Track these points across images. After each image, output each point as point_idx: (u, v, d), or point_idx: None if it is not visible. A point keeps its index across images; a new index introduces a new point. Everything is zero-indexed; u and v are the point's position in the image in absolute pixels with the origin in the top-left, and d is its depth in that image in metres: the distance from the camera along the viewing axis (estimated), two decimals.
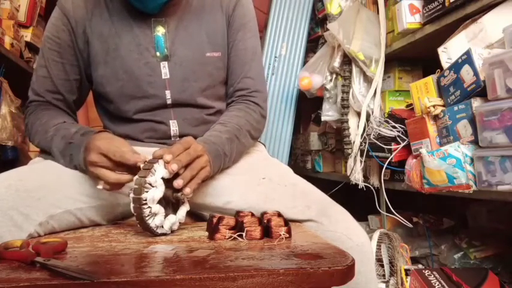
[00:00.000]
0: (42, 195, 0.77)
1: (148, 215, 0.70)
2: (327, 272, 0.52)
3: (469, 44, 1.17)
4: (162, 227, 0.72)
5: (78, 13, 0.96)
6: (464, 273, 1.27)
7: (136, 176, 0.71)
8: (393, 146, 1.46)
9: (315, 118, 2.41)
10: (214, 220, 0.73)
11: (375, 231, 1.54)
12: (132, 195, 0.70)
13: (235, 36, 1.01)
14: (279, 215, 0.75)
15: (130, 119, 0.98)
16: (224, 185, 0.88)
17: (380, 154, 1.52)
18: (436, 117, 1.27)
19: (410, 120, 1.40)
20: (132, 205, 0.70)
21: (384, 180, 1.55)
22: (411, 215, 1.71)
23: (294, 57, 2.38)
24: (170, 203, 0.76)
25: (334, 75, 1.89)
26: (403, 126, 1.45)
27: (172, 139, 0.97)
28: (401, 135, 1.45)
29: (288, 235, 0.69)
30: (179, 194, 0.75)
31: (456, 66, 1.17)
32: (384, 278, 1.45)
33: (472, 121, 1.12)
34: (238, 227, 0.70)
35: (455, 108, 1.18)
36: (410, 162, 1.36)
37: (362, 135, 1.67)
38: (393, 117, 1.52)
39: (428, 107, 1.25)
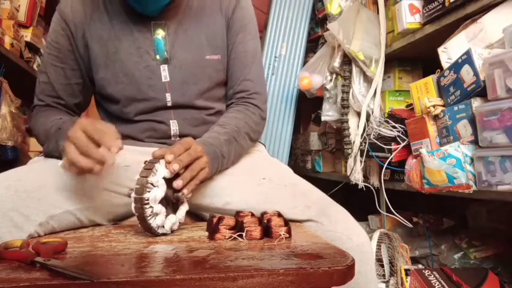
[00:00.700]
0: (42, 196, 0.77)
1: (150, 215, 0.70)
2: (327, 272, 0.52)
3: (469, 44, 1.17)
4: (163, 227, 0.72)
5: (77, 17, 0.96)
6: (464, 273, 1.27)
7: (138, 176, 0.71)
8: (393, 146, 1.46)
9: (315, 118, 2.41)
10: (214, 220, 0.73)
11: (375, 231, 1.54)
12: (133, 195, 0.70)
13: (235, 38, 1.01)
14: (279, 215, 0.75)
15: (131, 120, 0.98)
16: (224, 185, 0.88)
17: (380, 154, 1.52)
18: (436, 117, 1.27)
19: (410, 120, 1.40)
20: (133, 205, 0.70)
21: (384, 180, 1.55)
22: (411, 215, 1.71)
23: (294, 57, 2.38)
24: (170, 203, 0.76)
25: (334, 75, 1.89)
26: (403, 126, 1.45)
27: (172, 139, 0.98)
28: (401, 135, 1.45)
29: (288, 235, 0.69)
30: (180, 194, 0.75)
31: (456, 66, 1.17)
32: (384, 278, 1.45)
33: (472, 121, 1.12)
34: (238, 227, 0.70)
35: (455, 108, 1.18)
36: (410, 162, 1.36)
37: (362, 135, 1.67)
38: (393, 117, 1.52)
39: (428, 107, 1.25)
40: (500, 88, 1.01)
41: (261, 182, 0.89)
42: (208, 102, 1.00)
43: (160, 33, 0.96)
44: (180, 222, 0.78)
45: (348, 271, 0.54)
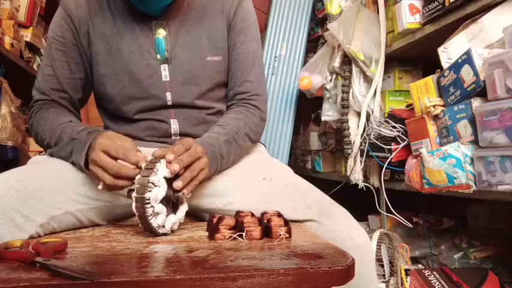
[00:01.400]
0: (43, 197, 0.77)
1: (151, 215, 0.70)
2: (327, 272, 0.52)
3: (469, 44, 1.17)
4: (164, 226, 0.72)
5: (80, 12, 0.96)
6: (464, 273, 1.27)
7: (139, 176, 0.71)
8: (393, 146, 1.46)
9: (315, 118, 2.41)
10: (214, 220, 0.73)
11: (375, 231, 1.54)
12: (134, 194, 0.70)
13: (236, 40, 1.01)
14: (279, 215, 0.75)
15: (131, 119, 0.98)
16: (225, 186, 0.88)
17: (380, 154, 1.52)
18: (436, 117, 1.27)
19: (410, 120, 1.40)
20: (134, 204, 0.70)
21: (384, 180, 1.55)
22: (411, 215, 1.71)
23: (294, 57, 2.38)
24: (170, 203, 0.76)
25: (334, 75, 1.89)
26: (403, 126, 1.45)
27: (173, 137, 0.98)
28: (402, 135, 1.45)
29: (288, 235, 0.69)
30: (180, 194, 0.75)
31: (456, 66, 1.17)
32: (384, 278, 1.45)
33: (472, 121, 1.12)
34: (238, 227, 0.70)
35: (455, 108, 1.18)
36: (410, 162, 1.36)
37: (362, 135, 1.67)
38: (393, 117, 1.52)
39: (428, 107, 1.25)
40: (500, 88, 1.01)
41: (261, 182, 0.89)
42: (209, 102, 1.01)
43: (161, 33, 0.96)
44: (180, 222, 0.78)
45: (348, 271, 0.54)
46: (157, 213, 0.71)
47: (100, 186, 0.77)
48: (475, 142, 1.12)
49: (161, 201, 0.71)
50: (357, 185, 1.73)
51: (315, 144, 2.35)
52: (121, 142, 0.79)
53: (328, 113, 1.93)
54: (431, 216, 1.73)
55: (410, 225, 1.55)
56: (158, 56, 0.96)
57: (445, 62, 1.25)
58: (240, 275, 0.50)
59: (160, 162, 0.73)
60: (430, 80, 1.29)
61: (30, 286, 0.48)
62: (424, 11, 1.38)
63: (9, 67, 1.82)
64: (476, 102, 1.11)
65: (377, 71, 1.65)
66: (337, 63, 1.81)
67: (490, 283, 1.22)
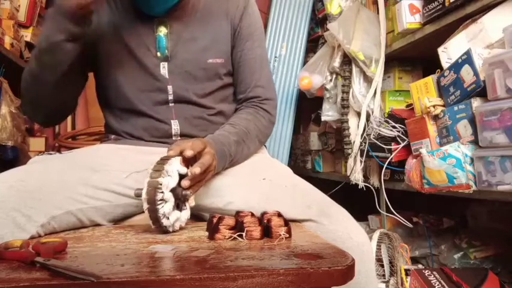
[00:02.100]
0: (43, 196, 0.77)
1: (160, 201, 0.71)
2: (327, 272, 0.52)
3: (469, 44, 1.17)
4: (168, 218, 0.73)
5: None
6: (464, 273, 1.27)
7: (155, 163, 0.73)
8: (393, 146, 1.46)
9: (315, 118, 2.41)
10: (214, 220, 0.73)
11: (375, 231, 1.54)
12: (148, 179, 0.72)
13: (244, 45, 1.02)
14: (279, 215, 0.75)
15: (132, 116, 0.98)
16: (225, 186, 0.88)
17: (380, 154, 1.52)
18: (436, 117, 1.27)
19: (410, 120, 1.40)
20: (146, 189, 0.72)
21: (384, 180, 1.55)
22: (411, 215, 1.71)
23: (294, 57, 2.38)
24: (176, 203, 0.77)
25: (334, 75, 1.89)
26: (403, 126, 1.45)
27: (173, 138, 0.98)
28: (402, 135, 1.45)
29: (288, 235, 0.69)
30: (188, 192, 0.77)
31: (456, 66, 1.17)
32: (384, 278, 1.45)
33: (472, 121, 1.12)
34: (238, 227, 0.70)
35: (455, 108, 1.18)
36: (410, 162, 1.36)
37: (362, 135, 1.67)
38: (393, 117, 1.52)
39: (428, 107, 1.25)
40: (500, 88, 1.01)
41: (261, 182, 0.89)
42: (210, 102, 1.01)
43: (162, 31, 0.96)
44: (181, 225, 0.78)
45: (348, 271, 0.54)
46: (166, 201, 0.72)
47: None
48: (475, 142, 1.12)
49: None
50: (357, 185, 1.73)
51: (315, 144, 2.35)
52: None
53: (328, 113, 1.93)
54: (431, 216, 1.73)
55: (410, 225, 1.56)
56: (158, 54, 0.96)
57: (445, 62, 1.25)
58: (240, 275, 0.50)
59: (176, 158, 0.76)
60: (430, 80, 1.29)
61: (30, 286, 0.48)
62: (424, 11, 1.38)
63: (9, 67, 1.82)
64: (476, 102, 1.11)
65: (377, 71, 1.65)
66: (337, 63, 1.81)
67: (490, 283, 1.22)
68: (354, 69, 1.73)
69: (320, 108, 2.03)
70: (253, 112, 1.01)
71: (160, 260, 0.57)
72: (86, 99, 2.59)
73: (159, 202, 0.71)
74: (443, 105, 1.24)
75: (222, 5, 1.01)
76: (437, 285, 1.23)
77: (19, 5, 2.12)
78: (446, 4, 1.24)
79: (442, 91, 1.26)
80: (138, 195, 0.75)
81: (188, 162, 0.78)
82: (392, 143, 1.47)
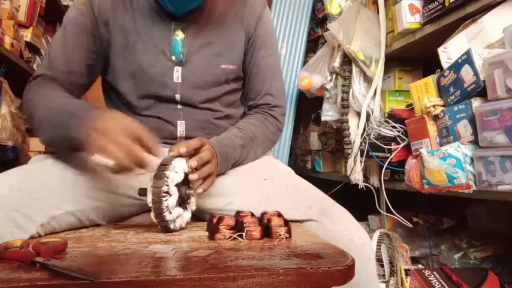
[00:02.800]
0: (44, 196, 0.77)
1: (165, 193, 0.72)
2: (327, 272, 0.52)
3: (469, 44, 1.17)
4: (171, 213, 0.73)
5: (102, 4, 0.95)
6: (464, 273, 1.27)
7: (162, 159, 0.75)
8: (393, 146, 1.46)
9: (315, 118, 2.41)
10: (214, 220, 0.73)
11: (375, 231, 1.54)
12: (155, 172, 0.73)
13: (257, 53, 1.04)
14: (279, 215, 0.75)
15: (139, 115, 0.98)
16: (226, 186, 0.88)
17: (380, 154, 1.52)
18: (436, 117, 1.27)
19: (410, 120, 1.40)
20: (153, 180, 0.73)
21: (384, 180, 1.55)
22: (411, 215, 1.71)
23: (294, 57, 2.38)
24: (179, 202, 0.77)
25: (334, 75, 1.89)
26: (403, 126, 1.45)
27: (178, 140, 0.98)
28: (402, 135, 1.45)
29: (288, 235, 0.69)
30: (192, 191, 0.79)
31: (456, 66, 1.17)
32: (384, 278, 1.45)
33: (472, 121, 1.12)
34: (238, 227, 0.70)
35: (455, 108, 1.18)
36: (410, 162, 1.36)
37: (362, 135, 1.67)
38: (393, 117, 1.52)
39: (428, 107, 1.25)
40: (500, 88, 1.01)
41: (262, 182, 0.89)
42: (218, 106, 1.01)
43: (179, 35, 0.96)
44: (182, 226, 0.78)
45: (348, 271, 0.54)
46: (170, 195, 0.73)
47: (102, 160, 0.71)
48: (475, 142, 1.12)
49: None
50: (357, 185, 1.73)
51: (315, 144, 2.35)
52: (141, 127, 0.73)
53: (328, 113, 1.93)
54: (431, 216, 1.73)
55: (410, 225, 1.55)
56: (173, 58, 0.96)
57: (445, 62, 1.25)
58: (240, 275, 0.50)
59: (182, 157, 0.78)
60: (430, 80, 1.29)
61: (30, 286, 0.48)
62: (424, 11, 1.38)
63: (9, 67, 1.82)
64: (476, 102, 1.11)
65: (377, 71, 1.65)
66: (337, 63, 1.81)
67: (490, 283, 1.22)
68: (354, 69, 1.73)
69: (320, 108, 2.03)
70: (261, 118, 1.02)
71: (160, 260, 0.57)
72: (86, 99, 2.58)
73: (163, 194, 0.72)
74: (443, 105, 1.24)
75: (238, 11, 1.02)
76: (437, 285, 1.23)
77: (19, 5, 2.12)
78: (446, 4, 1.24)
79: (442, 91, 1.26)
80: (141, 195, 0.75)
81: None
82: (392, 143, 1.47)
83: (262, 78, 1.04)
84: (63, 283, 0.48)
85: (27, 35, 2.20)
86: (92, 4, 0.95)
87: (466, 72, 1.12)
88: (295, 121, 2.40)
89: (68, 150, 0.82)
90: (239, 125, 0.98)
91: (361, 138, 1.68)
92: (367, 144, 1.58)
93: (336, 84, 1.88)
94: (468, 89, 1.13)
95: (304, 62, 2.34)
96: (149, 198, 0.73)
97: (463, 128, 1.15)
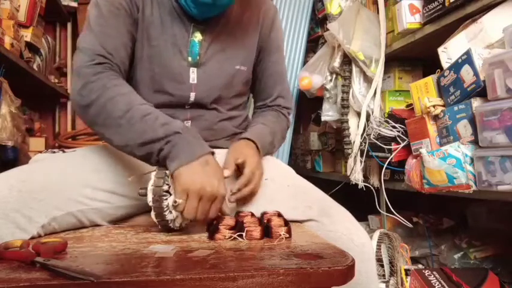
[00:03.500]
0: (44, 197, 0.77)
1: (165, 192, 0.73)
2: (327, 272, 0.52)
3: (469, 44, 1.17)
4: (171, 212, 0.73)
5: None
6: (464, 273, 1.27)
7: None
8: (393, 146, 1.46)
9: (315, 118, 2.41)
10: (214, 220, 0.73)
11: (375, 231, 1.54)
12: (155, 171, 0.76)
13: (270, 57, 1.09)
14: (279, 215, 0.76)
15: None
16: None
17: (380, 154, 1.52)
18: (436, 117, 1.27)
19: (410, 120, 1.39)
20: (154, 180, 0.74)
21: (384, 180, 1.55)
22: (411, 215, 1.71)
23: (294, 57, 2.38)
24: None
25: (334, 75, 1.89)
26: (403, 126, 1.45)
27: None
28: (402, 135, 1.45)
29: (288, 235, 0.69)
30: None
31: (456, 66, 1.17)
32: (384, 278, 1.45)
33: (472, 121, 1.12)
34: (238, 227, 0.70)
35: (455, 108, 1.18)
36: (410, 162, 1.36)
37: (362, 135, 1.67)
38: (393, 117, 1.52)
39: (428, 107, 1.25)
40: (500, 88, 1.01)
41: (264, 182, 0.89)
42: (224, 108, 1.02)
43: (197, 37, 0.97)
44: (182, 226, 0.78)
45: (348, 271, 0.54)
46: (170, 194, 0.74)
47: (177, 204, 0.73)
48: (475, 142, 1.12)
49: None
50: (357, 185, 1.73)
51: (315, 144, 2.35)
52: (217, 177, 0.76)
53: (328, 113, 1.93)
54: (431, 216, 1.73)
55: (410, 225, 1.55)
56: (190, 59, 0.96)
57: (445, 62, 1.25)
58: (240, 275, 0.50)
59: None
60: (430, 80, 1.29)
61: (30, 286, 0.48)
62: (424, 11, 1.38)
63: (9, 67, 1.82)
64: (476, 102, 1.11)
65: (377, 71, 1.65)
66: (337, 63, 1.81)
67: (490, 283, 1.22)
68: (354, 69, 1.73)
69: (320, 108, 2.03)
70: (276, 115, 1.09)
71: (160, 260, 0.57)
72: None
73: (164, 193, 0.72)
74: (443, 105, 1.24)
75: (254, 14, 1.04)
76: (437, 285, 1.23)
77: (19, 5, 2.12)
78: (446, 4, 1.24)
79: (442, 91, 1.26)
80: (142, 195, 0.75)
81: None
82: (392, 143, 1.47)
83: (274, 82, 1.10)
84: (63, 283, 0.48)
85: (27, 35, 2.20)
86: None
87: (466, 72, 1.12)
88: (295, 121, 2.40)
89: (139, 157, 0.81)
90: (264, 121, 1.04)
91: (361, 138, 1.67)
92: (367, 144, 1.58)
93: (336, 84, 1.88)
94: (468, 89, 1.13)
95: (304, 62, 2.33)
96: (149, 198, 0.73)
97: (463, 128, 1.15)
